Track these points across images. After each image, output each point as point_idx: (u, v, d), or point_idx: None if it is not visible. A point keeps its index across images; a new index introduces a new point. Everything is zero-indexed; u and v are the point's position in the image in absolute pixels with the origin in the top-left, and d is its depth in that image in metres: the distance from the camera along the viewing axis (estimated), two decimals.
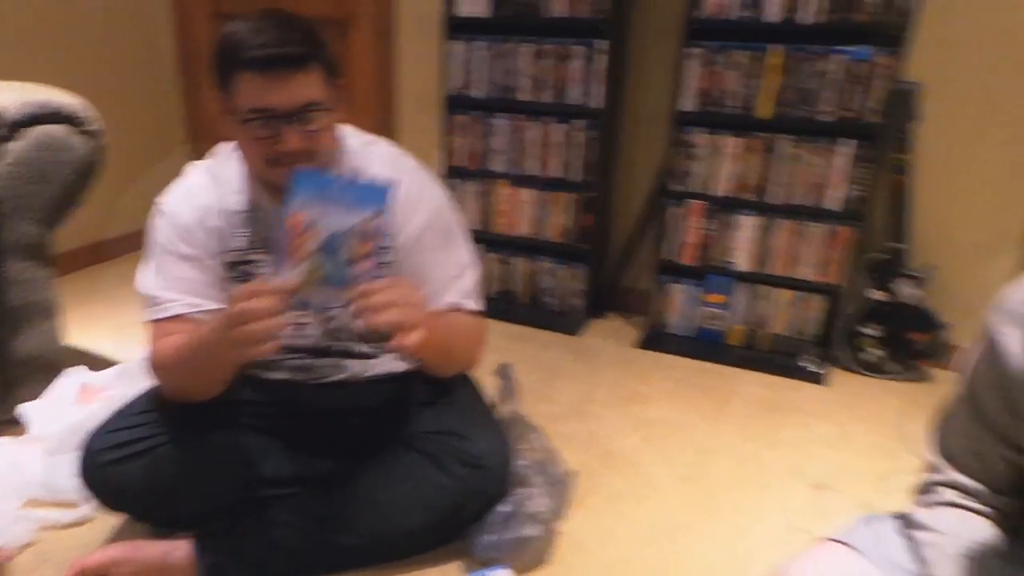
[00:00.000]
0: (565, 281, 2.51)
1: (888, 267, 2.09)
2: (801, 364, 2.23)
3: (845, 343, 2.20)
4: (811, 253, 2.14)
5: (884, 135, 2.00)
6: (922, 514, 0.97)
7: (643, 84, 2.38)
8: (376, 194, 1.07)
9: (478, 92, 2.39)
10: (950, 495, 0.97)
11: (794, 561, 1.01)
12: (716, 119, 2.13)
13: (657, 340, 2.39)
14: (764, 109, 2.07)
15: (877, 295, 2.12)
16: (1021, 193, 2.03)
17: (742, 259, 2.24)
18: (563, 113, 2.30)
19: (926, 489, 1.00)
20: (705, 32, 2.06)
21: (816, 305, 2.22)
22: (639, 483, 1.67)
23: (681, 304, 2.38)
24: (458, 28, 2.34)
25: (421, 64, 2.61)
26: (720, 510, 1.58)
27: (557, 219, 2.43)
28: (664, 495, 1.63)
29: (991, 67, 1.96)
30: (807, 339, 2.26)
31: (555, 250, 2.49)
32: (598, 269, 2.54)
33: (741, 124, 2.11)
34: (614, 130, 2.41)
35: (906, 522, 0.99)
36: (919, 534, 0.97)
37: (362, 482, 1.32)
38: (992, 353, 0.90)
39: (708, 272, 2.30)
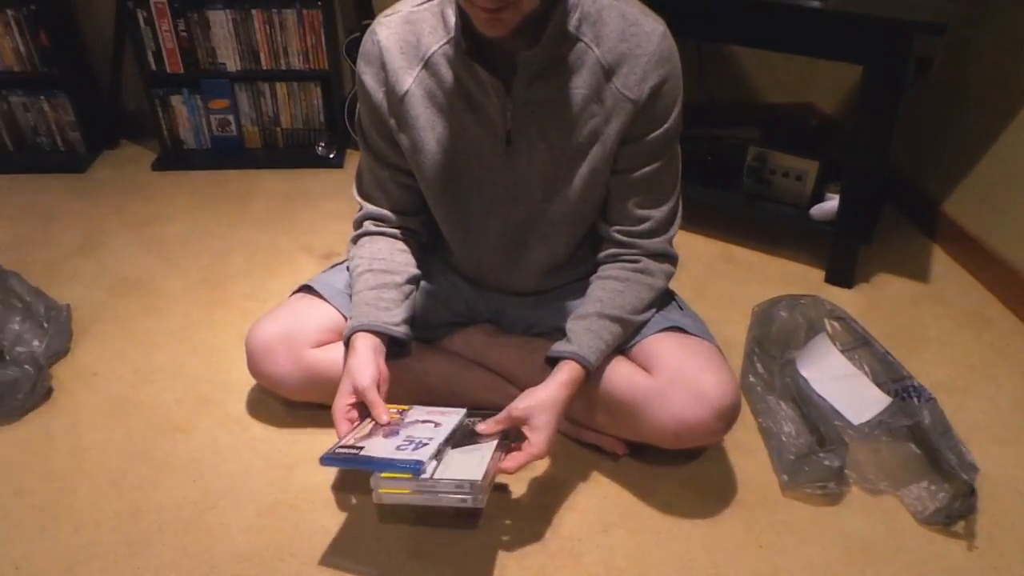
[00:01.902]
0: (50, 115, 2.25)
1: None
2: (318, 153, 2.35)
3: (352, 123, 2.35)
4: (292, 42, 2.19)
5: None
6: (355, 248, 1.21)
7: None
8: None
9: None
10: (368, 225, 1.21)
11: (266, 313, 1.22)
12: None
13: (174, 159, 2.32)
14: None
15: None
16: None
17: (230, 58, 2.20)
18: None
19: (356, 225, 1.23)
20: None
21: (315, 93, 2.31)
22: (151, 299, 1.68)
23: (187, 116, 2.30)
24: None
25: None
26: (232, 301, 1.68)
27: (3, 44, 2.12)
28: (176, 303, 1.67)
29: None
30: (317, 128, 2.37)
31: (19, 82, 2.19)
32: (86, 95, 2.31)
33: None
34: None
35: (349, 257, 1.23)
36: (350, 262, 1.21)
37: None
38: (363, 94, 1.10)
39: (201, 77, 2.23)
